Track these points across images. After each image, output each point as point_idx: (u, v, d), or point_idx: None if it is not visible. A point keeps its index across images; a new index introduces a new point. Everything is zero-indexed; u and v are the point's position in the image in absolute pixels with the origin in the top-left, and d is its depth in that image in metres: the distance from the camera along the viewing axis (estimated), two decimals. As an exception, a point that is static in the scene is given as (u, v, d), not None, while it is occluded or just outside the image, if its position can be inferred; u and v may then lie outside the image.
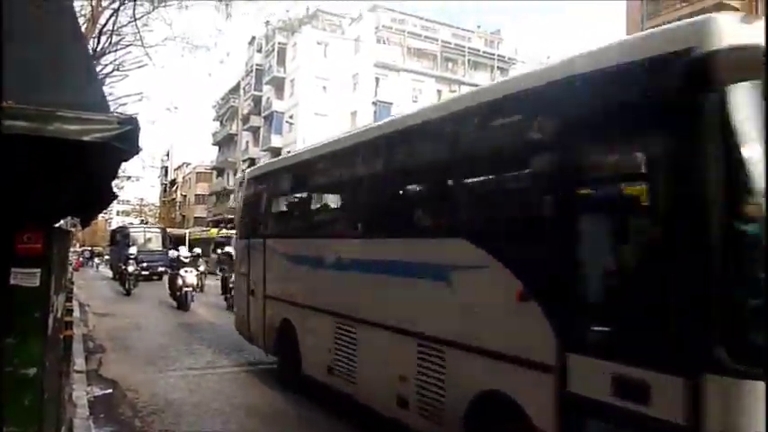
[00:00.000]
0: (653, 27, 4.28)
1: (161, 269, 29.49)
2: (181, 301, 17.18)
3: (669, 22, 3.88)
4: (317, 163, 7.87)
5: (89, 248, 60.52)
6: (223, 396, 7.63)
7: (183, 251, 19.19)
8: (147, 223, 50.82)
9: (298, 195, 8.54)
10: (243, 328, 9.68)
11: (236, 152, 62.62)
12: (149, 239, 32.48)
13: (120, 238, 33.19)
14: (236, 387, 8.17)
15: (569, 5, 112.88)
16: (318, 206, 8.12)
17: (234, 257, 17.83)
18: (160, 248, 31.77)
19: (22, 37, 2.62)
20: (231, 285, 16.36)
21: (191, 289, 17.30)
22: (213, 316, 16.02)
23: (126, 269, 22.59)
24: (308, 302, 7.31)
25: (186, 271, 17.49)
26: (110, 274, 34.55)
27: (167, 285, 18.68)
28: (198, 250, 21.39)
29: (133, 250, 24.15)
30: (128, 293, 21.93)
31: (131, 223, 51.29)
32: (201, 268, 20.12)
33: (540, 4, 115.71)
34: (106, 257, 52.45)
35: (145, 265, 26.00)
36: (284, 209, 9.04)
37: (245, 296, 9.45)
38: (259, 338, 8.94)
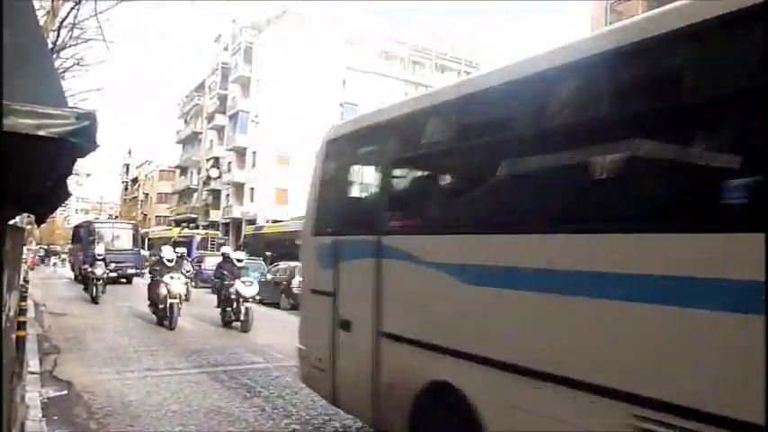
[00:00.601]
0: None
1: (131, 271, 27.31)
2: (165, 315, 13.80)
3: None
4: (543, 85, 3.88)
5: (44, 247, 58.94)
6: (182, 398, 7.51)
7: (167, 252, 15.56)
8: (116, 218, 47.77)
9: (492, 155, 4.25)
10: (319, 381, 5.98)
11: (200, 151, 61.93)
12: (118, 237, 28.86)
13: (84, 235, 29.61)
14: (195, 389, 8.05)
15: (569, 5, 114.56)
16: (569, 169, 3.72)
17: (236, 262, 14.96)
18: (130, 247, 28.83)
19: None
20: (233, 296, 13.97)
21: (177, 300, 13.78)
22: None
23: (92, 272, 19.35)
24: (525, 362, 3.58)
25: (172, 277, 14.00)
26: (69, 274, 33.17)
27: (147, 294, 15.22)
28: (182, 250, 18.20)
29: (101, 249, 20.95)
30: (94, 301, 18.80)
31: (98, 218, 49.11)
32: (187, 270, 16.01)
33: (540, 4, 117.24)
34: (64, 256, 51.16)
35: (113, 266, 22.66)
36: (438, 182, 5.31)
37: (326, 329, 5.68)
38: (361, 404, 5.37)
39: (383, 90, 47.72)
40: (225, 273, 14.79)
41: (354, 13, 47.67)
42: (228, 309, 14.17)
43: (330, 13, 46.87)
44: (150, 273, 15.62)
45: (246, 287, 13.95)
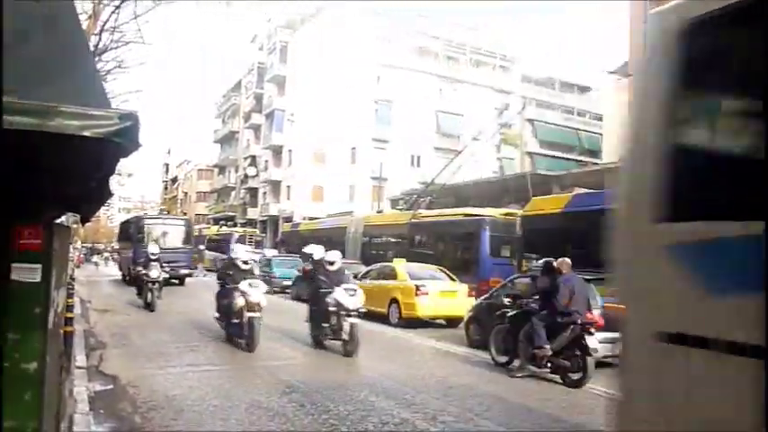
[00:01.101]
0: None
1: (184, 271, 24.84)
2: (239, 332, 10.75)
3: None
4: None
5: (88, 245, 60.41)
6: (223, 393, 7.63)
7: (241, 251, 12.45)
8: (168, 213, 43.88)
9: None
10: None
11: (237, 150, 62.80)
12: (169, 233, 25.85)
13: (133, 232, 26.55)
14: (236, 384, 8.17)
15: (569, 5, 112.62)
16: None
17: (328, 265, 11.35)
18: (182, 245, 25.93)
19: (23, 33, 2.62)
20: (332, 309, 10.59)
21: (258, 314, 10.52)
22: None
23: (146, 274, 16.63)
24: None
25: (250, 284, 10.82)
26: (114, 272, 33.26)
27: (215, 305, 12.03)
28: (246, 248, 14.63)
29: (154, 248, 17.84)
30: (149, 307, 16.11)
31: (146, 213, 49.02)
32: (256, 271, 12.22)
33: (540, 4, 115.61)
34: (106, 254, 52.41)
35: (168, 268, 19.85)
36: None
37: None
38: None
39: (417, 86, 47.55)
40: (321, 278, 11.31)
41: (354, 12, 47.16)
42: (325, 324, 10.80)
43: (330, 13, 46.72)
44: (219, 278, 12.41)
45: (350, 296, 10.60)
